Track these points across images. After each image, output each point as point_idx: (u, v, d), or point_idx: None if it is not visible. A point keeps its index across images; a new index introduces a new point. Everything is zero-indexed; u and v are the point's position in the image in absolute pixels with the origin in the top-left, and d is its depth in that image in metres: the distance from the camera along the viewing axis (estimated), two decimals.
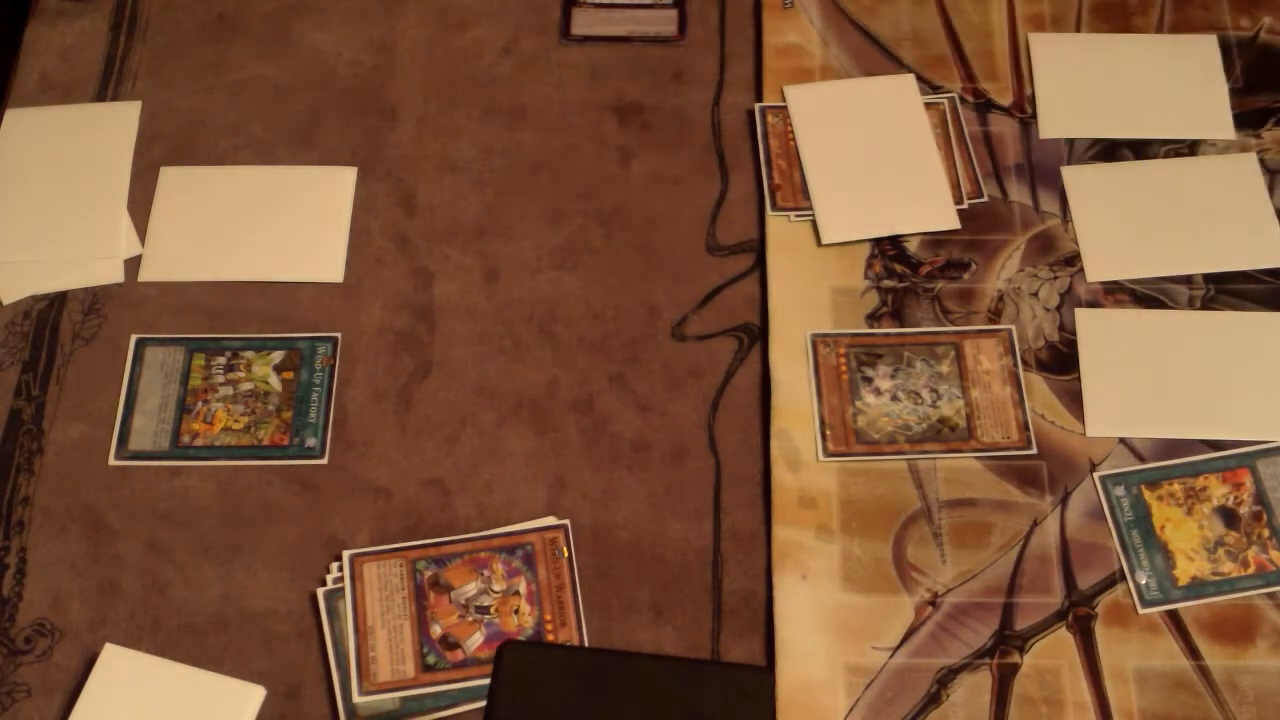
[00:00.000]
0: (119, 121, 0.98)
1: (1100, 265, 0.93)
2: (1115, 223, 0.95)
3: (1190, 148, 0.98)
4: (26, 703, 0.78)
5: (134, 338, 0.91)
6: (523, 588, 0.81)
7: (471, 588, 0.80)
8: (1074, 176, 0.96)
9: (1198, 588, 0.82)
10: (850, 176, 0.96)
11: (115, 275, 0.93)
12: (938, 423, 0.87)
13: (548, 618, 0.80)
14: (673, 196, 0.97)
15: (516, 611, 0.80)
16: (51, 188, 0.95)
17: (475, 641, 0.79)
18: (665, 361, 0.91)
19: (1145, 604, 0.82)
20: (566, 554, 0.81)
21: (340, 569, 0.81)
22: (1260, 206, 0.95)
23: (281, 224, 0.95)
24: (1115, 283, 0.93)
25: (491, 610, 0.80)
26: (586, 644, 0.80)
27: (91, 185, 0.96)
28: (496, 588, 0.80)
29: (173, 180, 0.97)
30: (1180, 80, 0.99)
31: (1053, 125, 0.99)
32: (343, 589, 0.80)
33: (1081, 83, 1.01)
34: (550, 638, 0.79)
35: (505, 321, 0.92)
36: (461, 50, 1.03)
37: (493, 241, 0.95)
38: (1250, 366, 0.89)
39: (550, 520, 0.83)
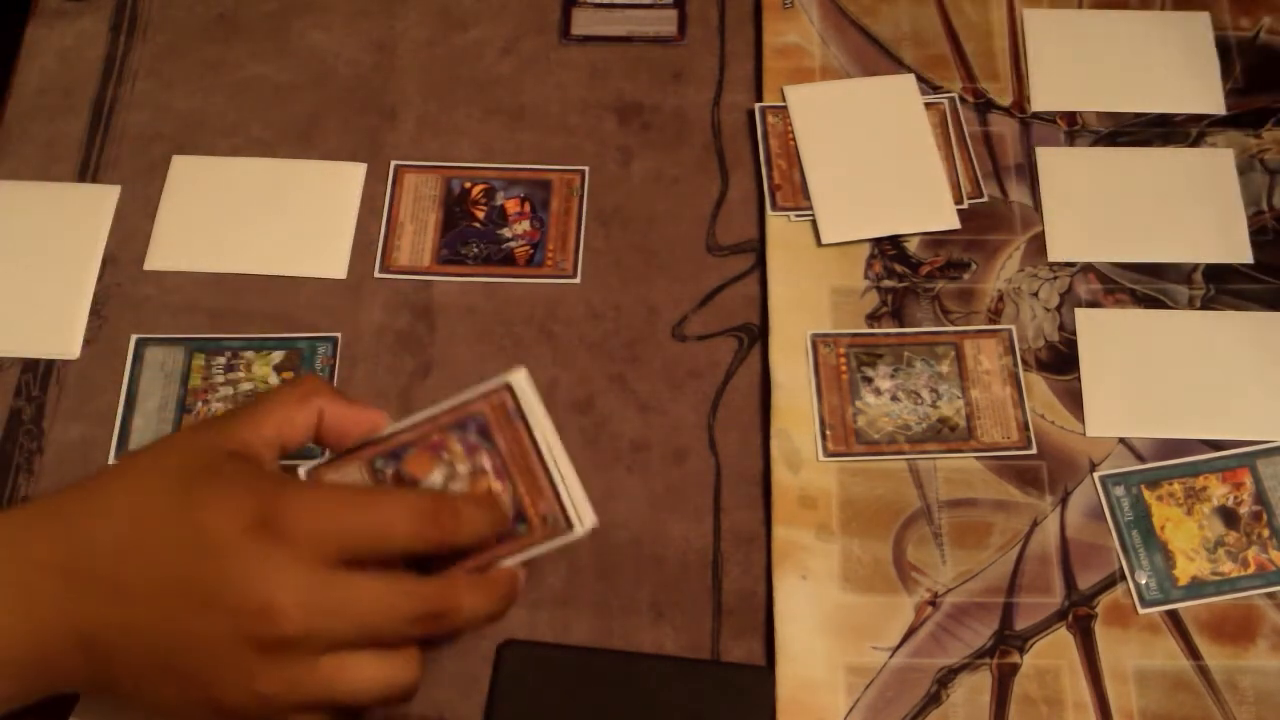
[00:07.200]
0: (96, 204, 0.95)
1: (1062, 246, 0.93)
2: (1081, 205, 0.94)
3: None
4: None
5: (134, 338, 0.91)
6: (487, 463, 0.75)
7: (437, 476, 0.75)
8: (1048, 158, 0.96)
9: (1198, 588, 0.82)
10: (850, 176, 0.96)
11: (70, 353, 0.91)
12: (938, 423, 0.87)
13: (521, 490, 0.74)
14: (673, 196, 0.97)
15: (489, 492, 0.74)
16: (13, 269, 0.92)
17: None
18: (665, 361, 0.91)
19: (1145, 604, 0.82)
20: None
21: (304, 476, 0.75)
22: (1230, 202, 0.94)
23: (290, 217, 0.95)
24: (1115, 281, 0.93)
25: None
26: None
27: (58, 274, 0.93)
28: (461, 468, 0.74)
29: (184, 169, 0.97)
30: (1172, 56, 0.99)
31: (1045, 100, 0.99)
32: None
33: (1075, 59, 1.01)
34: (528, 506, 0.73)
35: (505, 321, 0.92)
36: (461, 50, 1.03)
37: None
38: (1250, 366, 0.89)
39: (496, 382, 0.74)
